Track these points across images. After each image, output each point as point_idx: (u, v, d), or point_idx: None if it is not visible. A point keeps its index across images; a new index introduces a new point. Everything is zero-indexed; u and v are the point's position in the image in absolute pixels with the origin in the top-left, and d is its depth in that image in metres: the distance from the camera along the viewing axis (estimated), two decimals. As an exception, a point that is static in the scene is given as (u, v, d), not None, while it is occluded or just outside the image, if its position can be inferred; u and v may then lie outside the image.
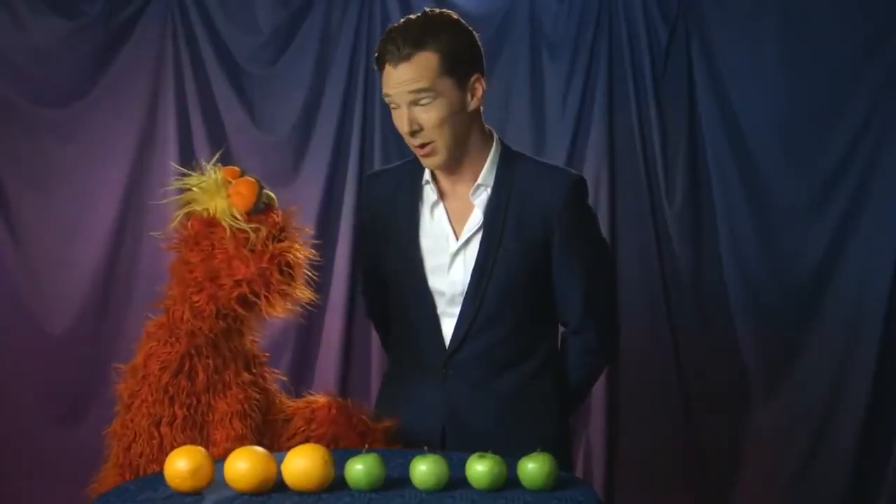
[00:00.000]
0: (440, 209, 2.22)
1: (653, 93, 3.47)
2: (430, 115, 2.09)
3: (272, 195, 2.07)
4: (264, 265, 1.96)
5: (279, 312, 2.01)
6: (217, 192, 2.02)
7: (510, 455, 1.81)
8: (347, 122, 3.55)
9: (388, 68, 2.09)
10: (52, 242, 3.57)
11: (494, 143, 2.22)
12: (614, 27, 3.49)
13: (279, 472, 1.76)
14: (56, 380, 3.57)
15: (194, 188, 2.03)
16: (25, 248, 3.58)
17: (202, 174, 2.05)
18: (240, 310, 1.98)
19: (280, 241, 1.99)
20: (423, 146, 2.12)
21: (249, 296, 1.96)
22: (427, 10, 2.18)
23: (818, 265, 3.45)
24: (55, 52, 3.53)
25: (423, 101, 2.08)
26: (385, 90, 2.12)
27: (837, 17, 3.40)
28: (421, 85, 2.07)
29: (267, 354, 2.14)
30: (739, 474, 3.52)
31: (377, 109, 3.53)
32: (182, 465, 1.74)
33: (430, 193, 2.22)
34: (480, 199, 2.19)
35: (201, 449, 1.79)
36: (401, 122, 2.11)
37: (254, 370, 2.06)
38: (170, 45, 3.55)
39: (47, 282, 3.58)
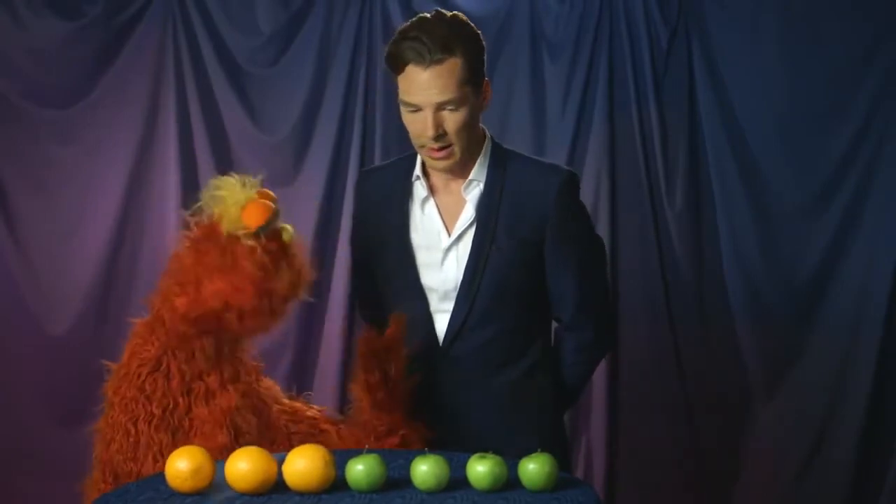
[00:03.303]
0: (431, 205, 2.21)
1: (653, 93, 3.47)
2: (455, 120, 2.08)
3: (288, 229, 2.01)
4: (241, 284, 1.92)
5: (252, 332, 2.00)
6: (237, 202, 1.99)
7: (506, 451, 1.81)
8: (348, 123, 3.56)
9: (415, 70, 2.06)
10: (52, 242, 3.58)
11: (486, 140, 2.22)
12: (615, 28, 3.49)
13: (280, 473, 1.76)
14: (56, 380, 3.57)
15: (223, 191, 1.99)
16: (25, 248, 3.58)
17: (240, 181, 2.00)
18: (214, 321, 1.96)
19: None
20: (441, 149, 2.11)
21: (225, 311, 1.94)
22: (442, 11, 2.14)
23: (819, 265, 3.46)
24: (56, 52, 3.53)
25: (448, 107, 2.07)
26: (407, 94, 2.08)
27: (837, 18, 3.40)
28: (449, 95, 2.05)
29: (262, 365, 2.13)
30: (739, 475, 3.52)
31: (378, 110, 3.53)
32: (183, 465, 1.74)
33: (420, 189, 2.22)
34: (472, 195, 2.19)
35: (202, 449, 1.78)
36: (424, 125, 2.08)
37: (243, 380, 2.04)
38: (170, 46, 3.55)
39: (47, 282, 3.58)
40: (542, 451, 1.79)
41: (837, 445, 3.44)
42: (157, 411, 1.99)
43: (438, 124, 2.07)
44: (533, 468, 1.75)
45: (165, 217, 3.53)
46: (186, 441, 1.97)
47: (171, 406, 1.99)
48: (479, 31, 2.14)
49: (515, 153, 2.25)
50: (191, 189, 3.56)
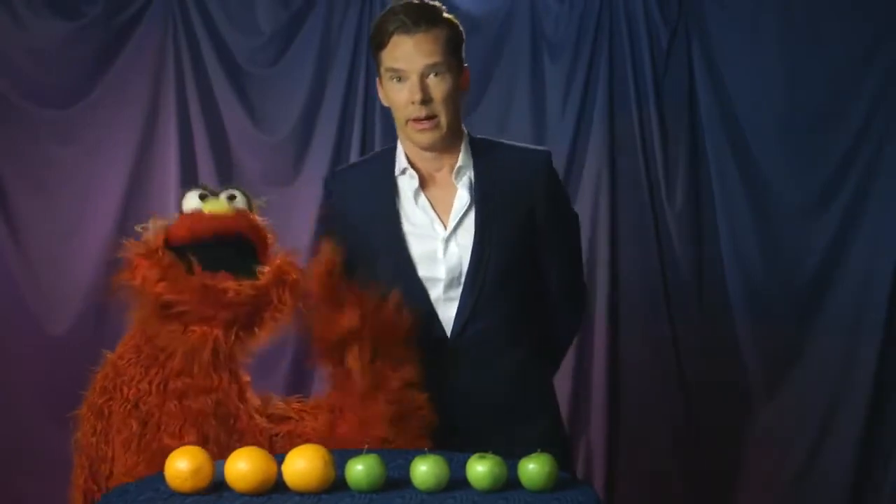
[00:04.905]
0: (422, 197, 2.23)
1: (653, 93, 3.47)
2: (441, 87, 2.15)
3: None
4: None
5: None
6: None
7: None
8: (348, 123, 3.56)
9: (401, 38, 2.13)
10: (52, 242, 3.57)
11: (465, 131, 2.27)
12: (615, 28, 3.49)
13: (280, 473, 1.76)
14: (56, 380, 3.56)
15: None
16: (25, 248, 3.58)
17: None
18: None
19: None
20: (427, 119, 2.15)
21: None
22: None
23: (819, 265, 3.46)
24: (56, 52, 3.53)
25: (434, 73, 2.14)
26: (393, 61, 2.15)
27: (837, 18, 3.40)
28: (435, 59, 2.14)
29: (248, 381, 2.14)
30: (740, 474, 3.52)
31: (377, 110, 3.53)
32: (182, 465, 1.74)
33: (409, 181, 2.24)
34: (464, 182, 2.22)
35: (202, 449, 1.79)
36: (411, 91, 2.14)
37: (222, 390, 2.06)
38: (170, 46, 3.55)
39: (47, 282, 3.58)
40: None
41: (838, 445, 3.44)
42: (131, 397, 2.04)
43: (425, 89, 2.14)
44: (533, 468, 1.75)
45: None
46: (155, 435, 2.01)
47: (144, 394, 2.04)
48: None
49: (490, 140, 2.31)
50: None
